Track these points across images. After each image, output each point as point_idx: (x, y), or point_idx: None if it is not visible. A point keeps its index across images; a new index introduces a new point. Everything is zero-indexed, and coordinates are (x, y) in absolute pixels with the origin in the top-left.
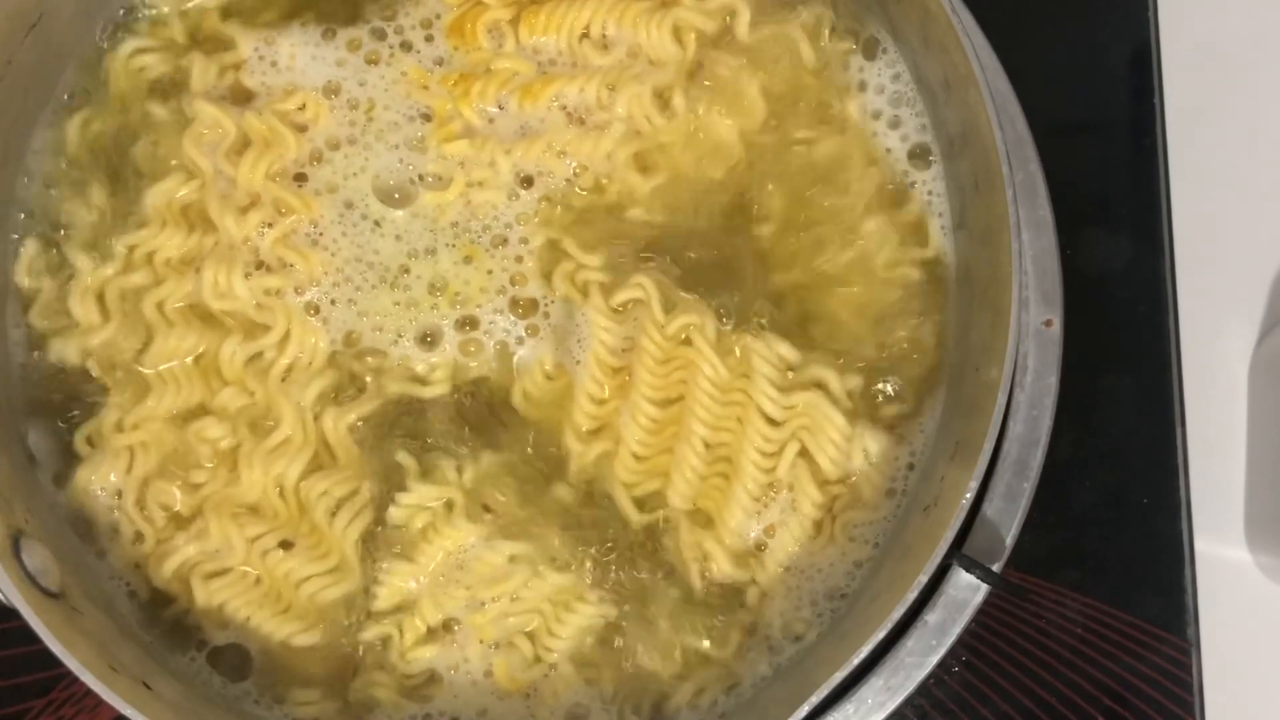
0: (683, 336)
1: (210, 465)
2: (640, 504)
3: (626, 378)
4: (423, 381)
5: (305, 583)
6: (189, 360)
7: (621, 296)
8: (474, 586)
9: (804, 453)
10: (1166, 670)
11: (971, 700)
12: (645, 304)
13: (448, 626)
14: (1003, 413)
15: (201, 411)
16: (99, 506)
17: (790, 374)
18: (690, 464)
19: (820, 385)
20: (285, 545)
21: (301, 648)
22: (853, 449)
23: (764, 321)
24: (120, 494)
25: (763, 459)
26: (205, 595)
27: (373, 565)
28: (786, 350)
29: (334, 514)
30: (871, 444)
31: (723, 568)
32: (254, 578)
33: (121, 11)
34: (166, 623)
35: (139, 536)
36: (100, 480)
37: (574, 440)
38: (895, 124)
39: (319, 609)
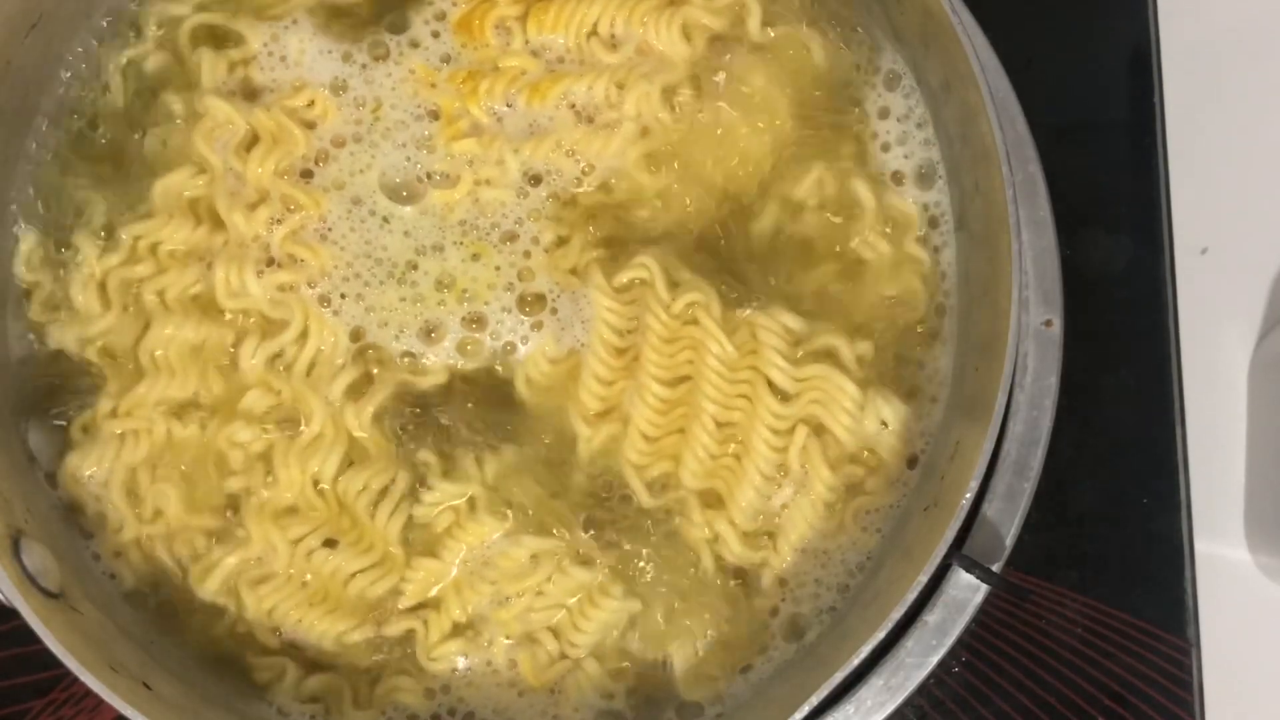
0: (688, 316)
1: (241, 471)
2: (652, 486)
3: (633, 358)
4: (423, 374)
5: (353, 579)
6: (186, 349)
7: (625, 276)
8: (499, 582)
9: (818, 431)
10: (1166, 670)
11: (971, 700)
12: (649, 283)
13: (472, 623)
14: (1003, 413)
15: (195, 404)
16: (87, 494)
17: (799, 348)
18: (702, 442)
19: (830, 354)
20: (329, 543)
21: (351, 644)
22: (866, 416)
23: (770, 295)
24: (107, 482)
25: (774, 437)
26: (255, 602)
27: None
28: (792, 321)
29: (375, 507)
30: (886, 409)
31: (734, 548)
32: (301, 579)
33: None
34: (215, 640)
35: (121, 525)
36: (89, 466)
37: (581, 423)
38: (903, 139)
39: (368, 604)
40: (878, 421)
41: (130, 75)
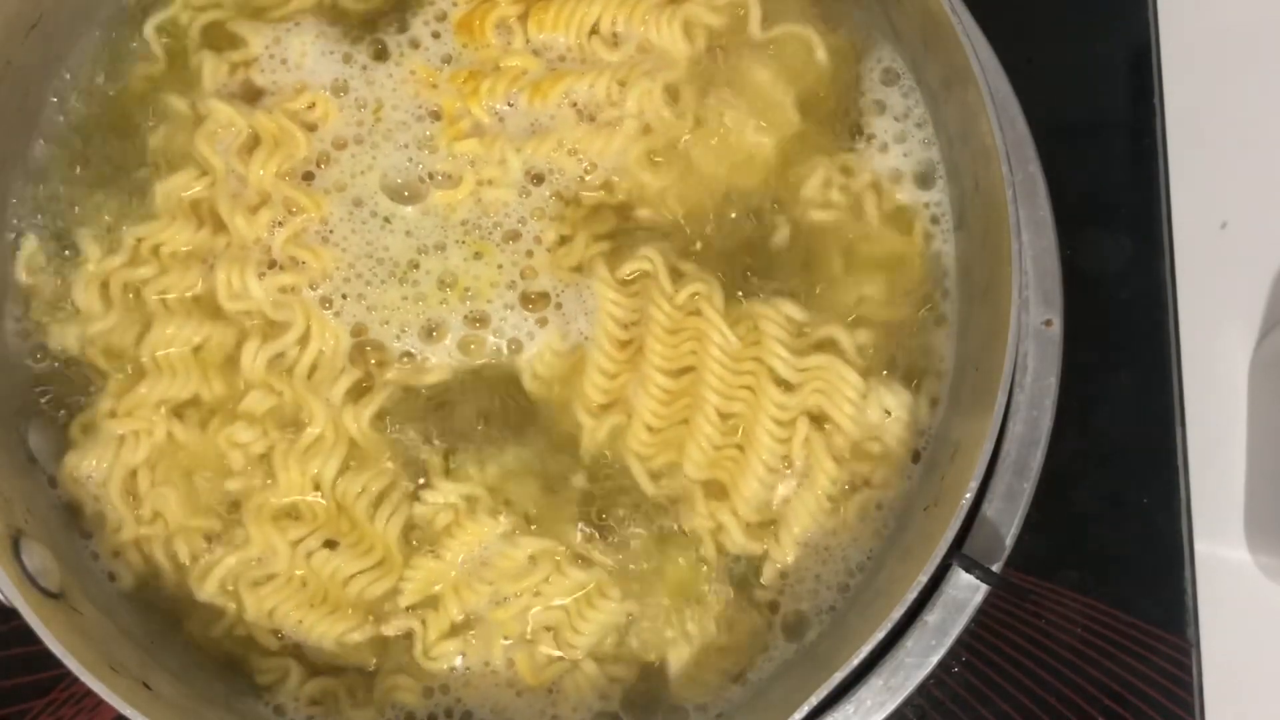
0: (691, 307)
1: (241, 472)
2: (655, 476)
3: (637, 350)
4: (425, 373)
5: (352, 580)
6: (187, 349)
7: (628, 268)
8: (497, 582)
9: (821, 424)
10: (1166, 670)
11: (971, 700)
12: (653, 275)
13: (470, 622)
14: (1003, 413)
15: (195, 404)
16: (85, 494)
17: (800, 337)
18: (705, 433)
19: (832, 344)
20: (329, 545)
21: (351, 644)
22: (870, 405)
23: (772, 287)
24: (106, 482)
25: (777, 428)
26: (255, 603)
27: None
28: (793, 310)
29: (374, 509)
30: (889, 397)
31: (736, 539)
32: (300, 580)
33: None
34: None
35: (120, 525)
36: (87, 466)
37: (585, 415)
38: (902, 138)
39: (367, 605)
40: (881, 410)
41: (169, 33)
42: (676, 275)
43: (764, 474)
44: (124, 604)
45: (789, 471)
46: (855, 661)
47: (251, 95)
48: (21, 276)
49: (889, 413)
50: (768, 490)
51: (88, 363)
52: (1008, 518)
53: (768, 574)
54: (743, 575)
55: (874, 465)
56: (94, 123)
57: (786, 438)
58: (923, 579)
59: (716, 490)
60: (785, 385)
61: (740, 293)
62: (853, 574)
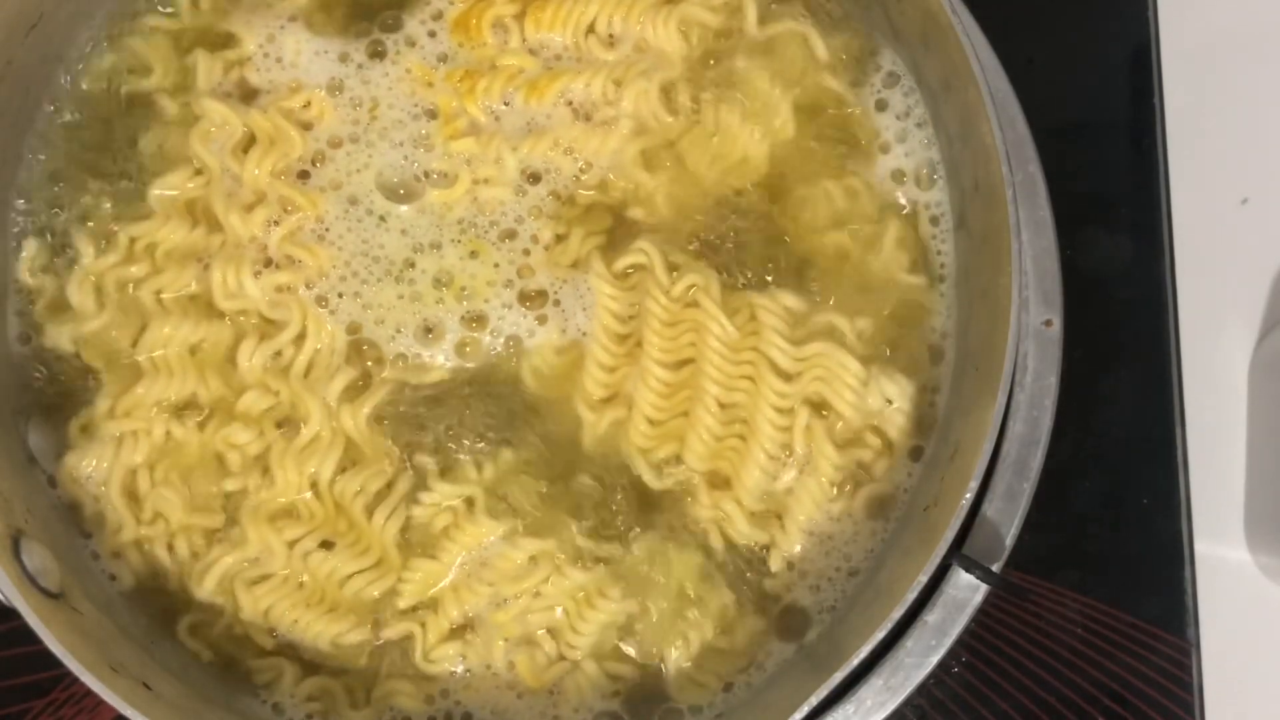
0: (689, 298)
1: (239, 472)
2: (657, 469)
3: (635, 344)
4: (422, 372)
5: (349, 581)
6: (184, 349)
7: (624, 262)
8: (496, 583)
9: (822, 410)
10: (1166, 670)
11: (971, 700)
12: (649, 268)
13: (470, 624)
14: (1003, 413)
15: (193, 404)
16: (85, 494)
17: (799, 328)
18: (705, 424)
19: (831, 332)
20: (325, 545)
21: (348, 646)
22: (870, 392)
23: (769, 278)
24: (106, 483)
25: (778, 416)
26: (251, 602)
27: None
28: (792, 300)
29: (371, 509)
30: (890, 386)
31: (740, 528)
32: (297, 580)
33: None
34: (220, 641)
35: (120, 526)
36: (87, 466)
37: (586, 410)
38: (902, 138)
39: (364, 606)
40: (882, 398)
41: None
42: (673, 268)
43: (765, 462)
44: (124, 604)
45: (790, 460)
46: (855, 661)
47: (247, 94)
48: (23, 277)
49: (890, 401)
50: (770, 479)
51: (85, 363)
52: (1008, 518)
53: (775, 563)
54: (743, 575)
55: (876, 456)
56: (92, 122)
57: (787, 425)
58: (923, 579)
59: (719, 481)
60: (785, 374)
61: (736, 281)
62: (853, 574)
